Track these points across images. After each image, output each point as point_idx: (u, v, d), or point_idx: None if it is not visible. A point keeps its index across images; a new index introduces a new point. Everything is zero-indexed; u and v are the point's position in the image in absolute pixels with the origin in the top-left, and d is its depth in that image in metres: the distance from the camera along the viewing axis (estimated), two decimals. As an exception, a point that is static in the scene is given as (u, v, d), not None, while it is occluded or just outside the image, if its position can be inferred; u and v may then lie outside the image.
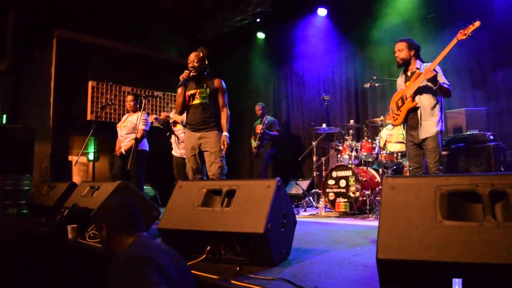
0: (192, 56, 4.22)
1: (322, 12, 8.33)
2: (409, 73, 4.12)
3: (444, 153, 5.72)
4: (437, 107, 3.95)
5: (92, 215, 3.80)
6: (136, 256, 1.84)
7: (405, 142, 4.26)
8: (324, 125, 6.67)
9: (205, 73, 4.28)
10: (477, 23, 3.65)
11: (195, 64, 4.18)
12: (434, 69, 3.82)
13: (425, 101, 3.95)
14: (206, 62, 4.26)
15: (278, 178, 2.73)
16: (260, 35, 9.53)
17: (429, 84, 3.84)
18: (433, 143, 3.88)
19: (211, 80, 4.26)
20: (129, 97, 6.04)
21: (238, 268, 2.46)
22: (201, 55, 4.22)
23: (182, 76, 4.17)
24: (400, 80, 4.25)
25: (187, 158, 4.28)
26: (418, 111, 3.97)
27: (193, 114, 4.23)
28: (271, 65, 9.77)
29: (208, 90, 4.19)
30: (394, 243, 1.83)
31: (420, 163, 4.07)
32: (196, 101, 4.22)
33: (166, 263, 1.83)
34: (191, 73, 4.16)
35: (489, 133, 5.51)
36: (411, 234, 1.83)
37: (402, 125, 4.26)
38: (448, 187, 1.93)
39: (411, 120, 4.08)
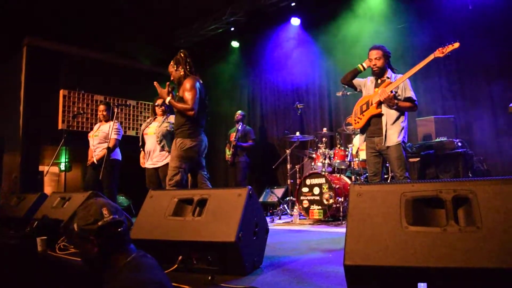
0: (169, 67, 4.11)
1: (295, 21, 8.44)
2: (379, 80, 4.11)
3: (414, 160, 5.86)
4: (402, 117, 3.97)
5: (65, 227, 3.73)
6: (146, 282, 1.67)
7: (365, 148, 4.23)
8: (298, 133, 6.74)
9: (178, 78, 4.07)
10: (456, 44, 3.66)
11: (171, 77, 4.08)
12: (392, 90, 3.86)
13: (391, 109, 3.94)
14: (175, 67, 4.04)
15: (249, 187, 2.75)
16: (235, 44, 9.56)
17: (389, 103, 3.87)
18: (396, 152, 3.87)
19: (181, 83, 4.01)
20: (101, 107, 5.97)
21: (210, 278, 2.45)
22: (172, 62, 4.08)
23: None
24: (370, 84, 4.20)
25: None
26: (384, 119, 3.95)
27: None
28: (245, 74, 9.82)
29: (177, 96, 4.01)
30: (360, 249, 1.86)
31: (377, 171, 4.06)
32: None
33: (165, 281, 1.74)
34: (172, 88, 4.04)
35: (457, 140, 5.67)
36: (377, 240, 1.87)
37: (360, 130, 4.25)
38: (413, 193, 1.98)
39: (373, 126, 4.05)
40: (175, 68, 4.04)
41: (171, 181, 3.80)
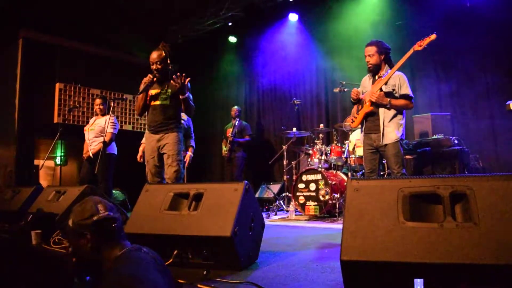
0: (155, 56, 3.99)
1: (293, 17, 8.41)
2: (376, 77, 4.08)
3: (410, 157, 5.85)
4: (399, 115, 3.94)
5: (60, 220, 3.71)
6: (128, 277, 1.60)
7: (362, 145, 4.21)
8: (294, 129, 6.72)
9: (168, 72, 4.02)
10: (433, 36, 3.73)
11: (158, 66, 3.97)
12: (384, 88, 3.86)
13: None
14: (169, 61, 4.03)
15: (246, 181, 2.73)
16: (232, 39, 9.51)
17: (384, 101, 3.88)
18: (394, 149, 3.86)
19: (168, 79, 4.00)
20: (98, 101, 5.95)
21: (205, 272, 2.45)
22: (163, 54, 3.99)
23: (145, 81, 3.95)
24: (368, 81, 4.19)
25: (146, 160, 4.14)
26: (381, 116, 3.93)
27: (152, 115, 4.08)
28: (242, 69, 9.79)
29: (169, 91, 4.00)
30: (357, 245, 1.85)
31: (374, 168, 4.06)
32: (157, 102, 4.06)
33: (158, 280, 1.68)
34: (155, 78, 3.98)
35: (453, 137, 5.67)
36: (374, 235, 1.86)
37: (361, 128, 4.25)
38: (410, 189, 1.98)
39: (370, 122, 4.04)
40: (167, 62, 4.04)
41: (181, 173, 3.98)
